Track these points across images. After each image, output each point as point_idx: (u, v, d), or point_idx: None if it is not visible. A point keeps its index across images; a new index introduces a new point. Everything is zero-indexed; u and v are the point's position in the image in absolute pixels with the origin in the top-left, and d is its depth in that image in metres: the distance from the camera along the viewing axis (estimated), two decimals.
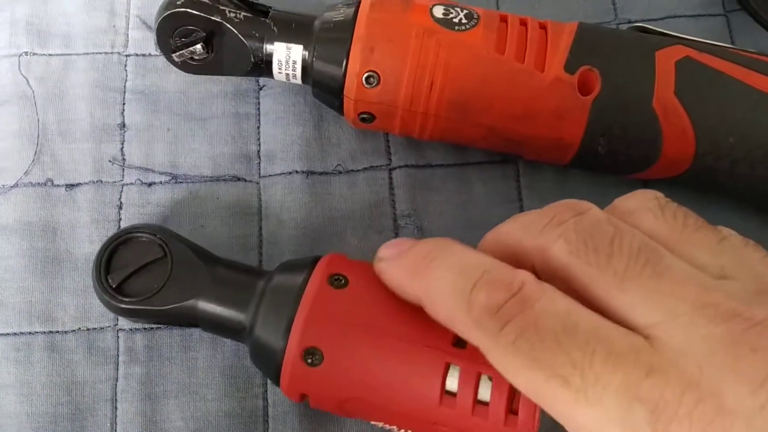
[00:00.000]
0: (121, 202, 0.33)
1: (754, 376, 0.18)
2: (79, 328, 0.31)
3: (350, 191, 0.34)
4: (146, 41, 0.35)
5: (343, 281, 0.26)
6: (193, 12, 0.31)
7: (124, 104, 0.35)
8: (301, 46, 0.31)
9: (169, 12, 0.31)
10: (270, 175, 0.34)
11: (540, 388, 0.20)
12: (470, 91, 0.30)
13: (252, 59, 0.31)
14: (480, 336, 0.21)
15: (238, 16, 0.31)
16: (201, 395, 0.31)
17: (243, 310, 0.28)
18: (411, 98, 0.30)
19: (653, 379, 0.18)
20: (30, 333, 0.31)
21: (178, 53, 0.32)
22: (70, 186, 0.33)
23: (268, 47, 0.31)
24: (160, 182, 0.34)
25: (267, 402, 0.31)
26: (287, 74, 0.32)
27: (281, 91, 0.35)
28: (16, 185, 0.33)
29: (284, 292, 0.27)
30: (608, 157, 0.31)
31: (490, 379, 0.24)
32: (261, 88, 0.35)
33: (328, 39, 0.30)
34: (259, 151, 0.34)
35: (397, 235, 0.33)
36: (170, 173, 0.34)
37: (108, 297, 0.28)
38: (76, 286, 0.32)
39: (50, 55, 0.35)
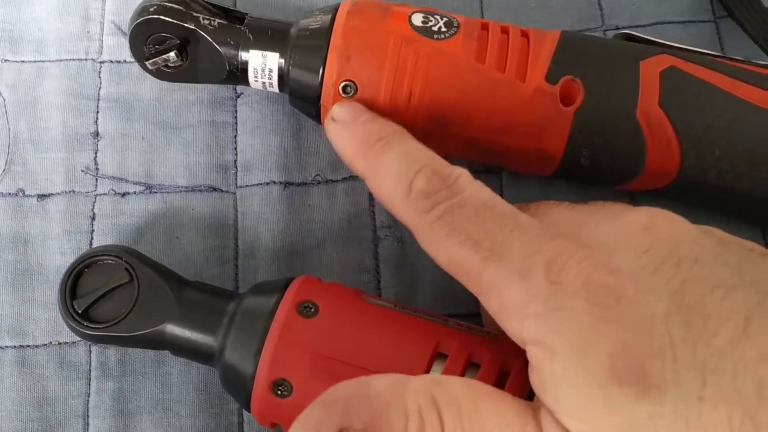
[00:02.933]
0: (94, 213, 0.32)
1: (638, 245, 0.22)
2: (51, 342, 0.31)
3: (329, 202, 0.33)
4: (121, 48, 0.35)
5: (312, 309, 0.26)
6: (166, 19, 0.30)
7: (97, 112, 0.34)
8: (277, 54, 0.30)
9: (141, 19, 0.30)
10: (247, 186, 0.33)
11: (455, 254, 0.23)
12: (449, 102, 0.29)
13: (227, 67, 0.31)
14: (412, 215, 0.24)
15: (212, 23, 0.30)
16: (175, 411, 0.30)
17: (212, 335, 0.27)
18: (389, 109, 0.29)
19: (553, 242, 0.22)
20: (0, 348, 0.31)
21: (151, 61, 0.31)
22: (42, 196, 0.33)
23: (244, 55, 0.30)
24: (134, 192, 0.33)
25: (242, 418, 0.30)
26: (263, 83, 0.31)
27: (259, 100, 0.34)
28: None
29: (254, 317, 0.26)
30: (592, 169, 0.30)
31: None
32: (238, 96, 0.34)
33: (305, 47, 0.30)
34: (236, 160, 0.33)
35: (377, 247, 0.32)
36: (145, 183, 0.33)
37: (74, 323, 0.28)
38: (48, 299, 0.31)
39: (22, 61, 0.34)
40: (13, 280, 0.31)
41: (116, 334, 0.28)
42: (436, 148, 0.30)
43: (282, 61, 0.30)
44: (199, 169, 0.33)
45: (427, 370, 0.25)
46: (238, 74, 0.31)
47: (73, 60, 0.34)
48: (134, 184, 0.33)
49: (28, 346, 0.31)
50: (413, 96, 0.29)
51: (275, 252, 0.32)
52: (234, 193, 0.33)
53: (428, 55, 0.29)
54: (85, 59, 0.34)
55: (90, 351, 0.31)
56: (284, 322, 0.25)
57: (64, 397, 0.30)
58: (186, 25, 0.30)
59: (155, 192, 0.33)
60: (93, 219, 0.32)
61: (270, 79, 0.31)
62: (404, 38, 0.29)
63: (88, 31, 0.35)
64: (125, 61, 0.35)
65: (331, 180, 0.33)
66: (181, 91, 0.34)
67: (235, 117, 0.34)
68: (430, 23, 0.29)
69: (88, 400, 0.30)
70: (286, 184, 0.33)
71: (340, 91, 0.29)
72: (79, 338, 0.30)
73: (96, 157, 0.33)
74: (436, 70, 0.29)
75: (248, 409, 0.27)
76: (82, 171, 0.33)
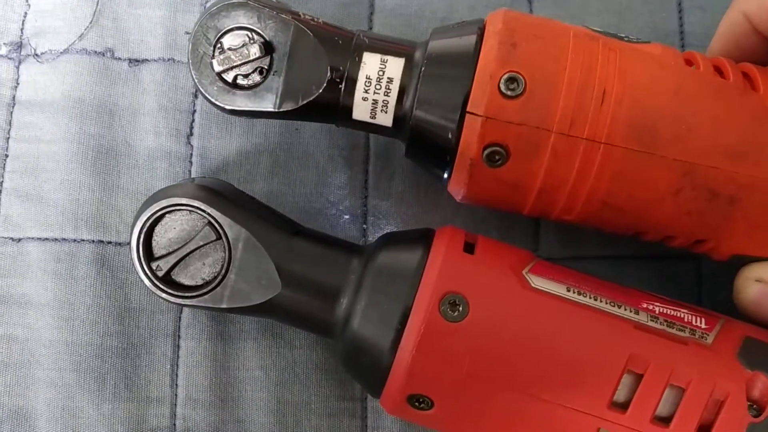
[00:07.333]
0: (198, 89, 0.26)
1: None
2: None
3: None
4: None
5: (460, 308, 0.20)
6: (257, 5, 0.22)
7: None
8: (401, 60, 0.22)
9: (221, 4, 0.22)
10: None
11: None
12: (659, 106, 0.21)
13: (328, 74, 0.22)
14: None
15: (315, 20, 0.23)
16: (286, 340, 0.25)
17: (332, 302, 0.21)
18: (573, 114, 0.21)
19: None
20: (75, 240, 0.25)
21: (222, 57, 0.22)
22: (135, 61, 0.26)
23: (354, 59, 0.22)
24: None
25: None
26: (374, 102, 0.22)
27: None
28: (66, 51, 0.26)
29: (389, 286, 0.21)
30: None
31: None
32: None
33: (446, 41, 0.22)
34: None
35: None
36: None
37: (154, 287, 0.22)
38: (135, 187, 0.26)
39: None
40: (95, 159, 0.25)
41: (206, 305, 0.22)
42: (640, 190, 0.21)
43: (405, 73, 0.22)
44: None
45: (611, 397, 0.19)
46: (340, 86, 0.22)
47: None
48: None
49: (110, 242, 0.25)
50: (608, 96, 0.21)
51: None
52: None
53: (623, 51, 0.21)
54: None
55: None
56: (424, 327, 0.20)
57: (150, 310, 0.25)
58: (283, 15, 0.22)
59: None
60: (196, 96, 0.27)
61: (387, 95, 0.22)
62: (586, 34, 0.22)
63: None
64: None
65: None
66: None
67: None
68: (613, 31, 0.23)
69: (180, 317, 0.25)
70: None
71: (501, 86, 0.21)
72: None
73: None
74: (636, 66, 0.21)
75: (375, 396, 0.22)
76: (186, 33, 0.26)
